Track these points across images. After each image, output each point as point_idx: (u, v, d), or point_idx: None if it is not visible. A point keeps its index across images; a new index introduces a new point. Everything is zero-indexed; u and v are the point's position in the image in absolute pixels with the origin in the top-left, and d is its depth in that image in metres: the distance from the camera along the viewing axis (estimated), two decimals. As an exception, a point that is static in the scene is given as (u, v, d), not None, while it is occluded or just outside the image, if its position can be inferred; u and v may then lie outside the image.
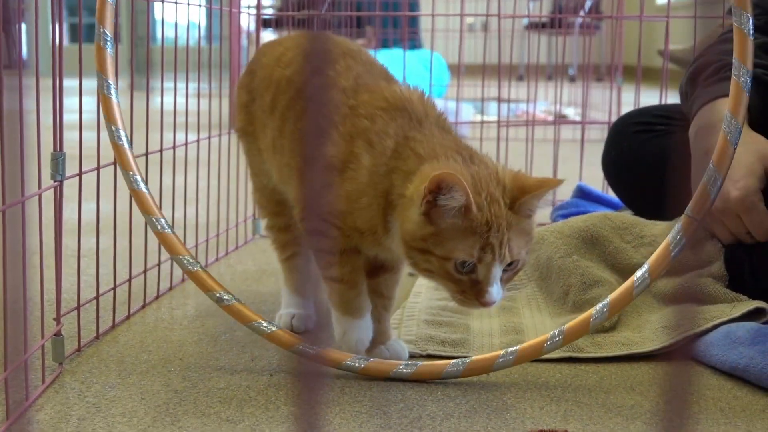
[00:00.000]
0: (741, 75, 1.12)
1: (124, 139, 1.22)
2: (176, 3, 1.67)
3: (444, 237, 1.04)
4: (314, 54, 0.28)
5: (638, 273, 1.17)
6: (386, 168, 1.10)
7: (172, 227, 1.23)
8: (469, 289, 1.05)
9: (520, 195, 1.04)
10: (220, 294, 1.20)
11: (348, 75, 1.18)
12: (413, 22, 4.89)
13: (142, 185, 1.22)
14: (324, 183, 1.11)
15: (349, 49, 1.25)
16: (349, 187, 1.11)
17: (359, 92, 1.16)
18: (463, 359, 1.17)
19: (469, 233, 1.03)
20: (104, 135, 1.23)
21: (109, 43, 1.21)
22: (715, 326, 1.24)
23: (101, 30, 1.20)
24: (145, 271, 1.46)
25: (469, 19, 5.43)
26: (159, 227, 1.22)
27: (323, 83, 0.29)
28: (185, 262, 1.21)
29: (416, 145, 1.10)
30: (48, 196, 1.14)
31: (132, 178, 1.21)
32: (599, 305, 1.18)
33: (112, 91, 1.22)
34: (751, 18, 1.11)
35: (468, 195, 1.00)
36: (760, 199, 1.33)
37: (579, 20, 5.41)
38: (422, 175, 1.05)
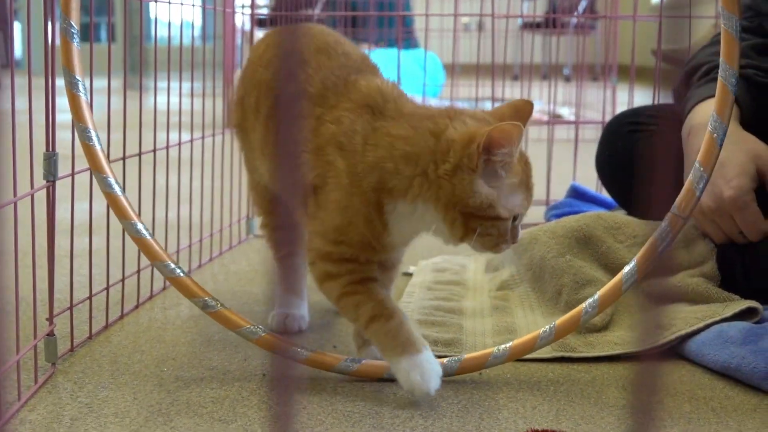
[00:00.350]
0: (727, 77, 1.13)
1: (95, 139, 1.17)
2: (170, 2, 1.67)
3: (506, 198, 1.05)
4: (287, 56, 0.28)
5: (626, 269, 1.18)
6: (365, 163, 1.08)
7: (153, 231, 1.21)
8: (512, 234, 1.08)
9: None
10: (205, 300, 1.17)
11: (316, 78, 1.15)
12: (407, 21, 4.90)
13: (116, 188, 1.18)
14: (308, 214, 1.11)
15: (325, 43, 1.22)
16: (335, 196, 1.10)
17: (326, 97, 1.14)
18: (457, 357, 1.17)
19: (522, 186, 1.07)
20: (102, 135, 1.21)
21: (75, 36, 1.15)
22: (708, 326, 1.24)
23: (67, 21, 1.14)
24: (138, 272, 1.46)
25: (463, 19, 5.43)
26: (136, 232, 1.18)
27: (294, 94, 0.29)
28: (167, 267, 1.19)
29: (391, 129, 1.09)
30: (40, 196, 1.14)
31: (105, 181, 1.17)
32: (589, 300, 1.20)
33: (80, 88, 1.16)
34: (738, 20, 1.12)
35: (518, 146, 1.03)
36: (753, 198, 1.34)
37: (574, 20, 5.42)
38: (462, 140, 1.04)
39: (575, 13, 5.69)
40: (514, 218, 1.07)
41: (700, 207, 1.36)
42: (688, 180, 1.16)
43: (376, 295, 1.12)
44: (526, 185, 1.08)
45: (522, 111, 1.12)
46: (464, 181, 1.03)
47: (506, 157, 1.02)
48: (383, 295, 1.13)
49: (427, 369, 1.06)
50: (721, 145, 1.13)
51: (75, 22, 1.15)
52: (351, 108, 1.12)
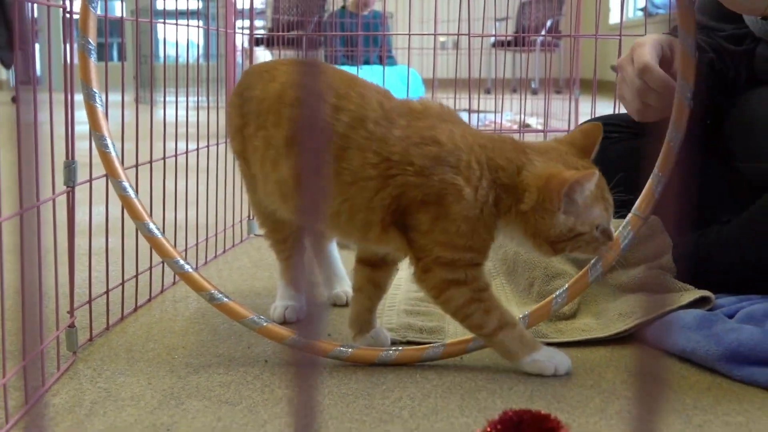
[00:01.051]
0: (683, 92, 1.13)
1: (110, 147, 1.17)
2: (177, 24, 1.66)
3: (583, 217, 1.06)
4: (309, 95, 0.27)
5: (592, 263, 1.19)
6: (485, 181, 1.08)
7: (163, 231, 1.21)
8: (603, 238, 1.08)
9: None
10: (211, 293, 1.18)
11: (371, 104, 1.10)
12: (389, 41, 4.90)
13: (130, 191, 1.18)
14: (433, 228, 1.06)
15: (350, 78, 1.17)
16: (458, 208, 1.06)
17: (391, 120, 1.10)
18: (441, 343, 1.17)
19: (598, 199, 1.07)
20: (116, 144, 1.21)
21: (92, 52, 1.15)
22: (666, 313, 1.24)
23: (84, 39, 1.14)
24: (150, 268, 1.45)
25: (441, 38, 5.43)
26: (148, 231, 1.18)
27: (319, 133, 0.28)
28: (177, 263, 1.18)
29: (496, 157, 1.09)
30: (61, 201, 1.13)
31: (120, 185, 1.17)
32: (559, 291, 1.21)
33: (97, 100, 1.16)
34: (694, 40, 1.12)
35: (593, 181, 1.04)
36: (652, 61, 1.33)
37: (540, 39, 5.43)
38: (536, 183, 1.05)
39: (542, 33, 5.70)
40: (597, 226, 1.07)
41: (622, 81, 1.38)
42: (648, 184, 1.17)
43: (499, 303, 1.12)
44: (602, 197, 1.08)
45: (591, 135, 1.13)
46: (545, 218, 1.05)
47: (584, 194, 1.04)
48: (500, 301, 1.14)
49: (557, 354, 1.13)
50: (677, 153, 1.14)
51: (92, 40, 1.15)
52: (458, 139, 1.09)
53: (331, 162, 1.08)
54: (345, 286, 1.42)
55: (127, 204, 1.18)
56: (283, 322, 1.30)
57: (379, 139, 1.07)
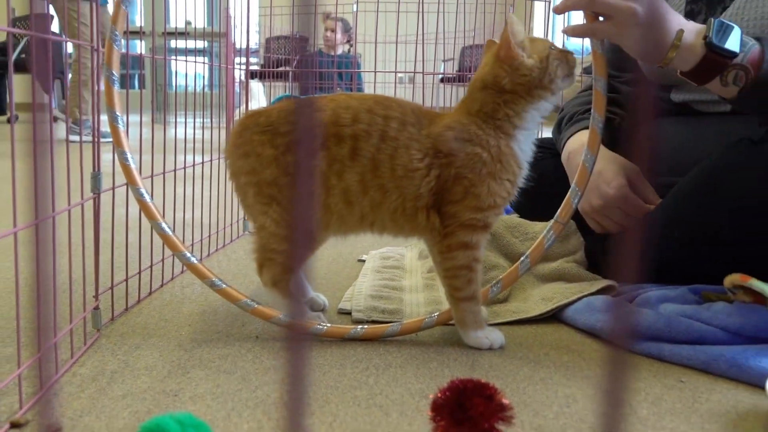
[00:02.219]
0: (596, 122, 1.13)
1: (130, 160, 1.14)
2: (186, 60, 1.63)
3: (538, 48, 1.07)
4: (304, 132, 0.25)
5: (522, 259, 1.18)
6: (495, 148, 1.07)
7: (173, 229, 1.18)
8: (563, 53, 1.09)
9: None
10: (212, 280, 1.16)
11: (407, 112, 1.10)
12: (359, 76, 4.89)
13: (146, 196, 1.15)
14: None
15: (387, 96, 1.14)
16: (486, 175, 1.06)
17: (421, 123, 1.09)
18: (399, 322, 1.15)
19: (532, 39, 1.09)
20: (135, 157, 1.17)
21: (116, 82, 1.13)
22: (579, 298, 1.24)
23: (109, 71, 1.12)
24: (162, 260, 1.42)
25: (400, 75, 5.43)
26: (161, 230, 1.16)
27: (310, 169, 0.26)
28: (185, 256, 1.16)
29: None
30: (88, 204, 1.10)
31: (138, 192, 1.15)
32: (495, 281, 1.20)
33: (120, 122, 1.13)
34: (606, 82, 1.12)
35: (514, 22, 1.05)
36: (630, 191, 1.34)
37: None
38: (493, 62, 1.07)
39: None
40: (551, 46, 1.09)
41: (592, 207, 1.37)
42: (567, 196, 1.16)
43: (478, 280, 1.10)
44: (559, 50, 1.09)
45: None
46: (524, 74, 1.06)
47: (521, 35, 1.06)
48: (479, 279, 1.11)
49: (493, 332, 1.11)
50: (591, 171, 1.14)
51: (116, 72, 1.13)
52: (457, 119, 1.09)
53: (387, 160, 1.06)
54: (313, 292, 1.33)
55: (143, 207, 1.16)
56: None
57: (417, 137, 1.07)
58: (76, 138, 3.15)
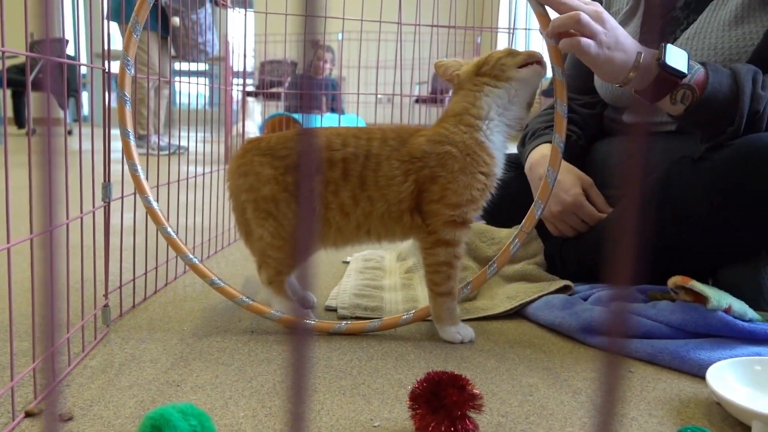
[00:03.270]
0: (558, 142, 1.13)
1: (139, 170, 1.12)
2: (189, 83, 1.60)
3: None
4: (304, 155, 0.24)
5: (490, 263, 1.17)
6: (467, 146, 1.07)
7: (177, 233, 1.15)
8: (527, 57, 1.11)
9: None
10: (212, 279, 1.14)
11: (387, 132, 1.10)
12: (343, 96, 4.89)
13: (154, 204, 1.13)
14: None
15: (369, 126, 1.14)
16: (459, 173, 1.05)
17: (404, 138, 1.09)
18: (379, 318, 1.14)
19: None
20: (143, 167, 1.15)
21: (128, 102, 1.10)
22: (540, 297, 1.23)
23: (122, 92, 1.10)
24: (167, 261, 1.39)
25: (379, 96, 5.43)
26: (166, 233, 1.13)
27: (311, 190, 0.25)
28: (187, 257, 1.14)
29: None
30: (100, 210, 1.07)
31: (146, 200, 1.12)
32: (465, 283, 1.18)
33: (131, 137, 1.11)
34: (566, 105, 1.12)
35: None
36: (585, 199, 1.35)
37: (449, 97, 5.45)
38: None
39: (449, 93, 5.73)
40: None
41: (551, 213, 1.37)
42: (531, 208, 1.16)
43: (456, 277, 1.09)
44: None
45: None
46: (503, 70, 1.09)
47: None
48: (458, 277, 1.10)
49: (464, 328, 1.10)
50: (552, 185, 1.13)
51: (127, 92, 1.10)
52: (431, 129, 1.10)
53: (372, 175, 1.06)
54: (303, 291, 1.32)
55: (151, 213, 1.13)
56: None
57: (397, 150, 1.07)
58: (143, 151, 3.01)
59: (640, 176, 0.24)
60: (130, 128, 1.11)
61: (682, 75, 1.08)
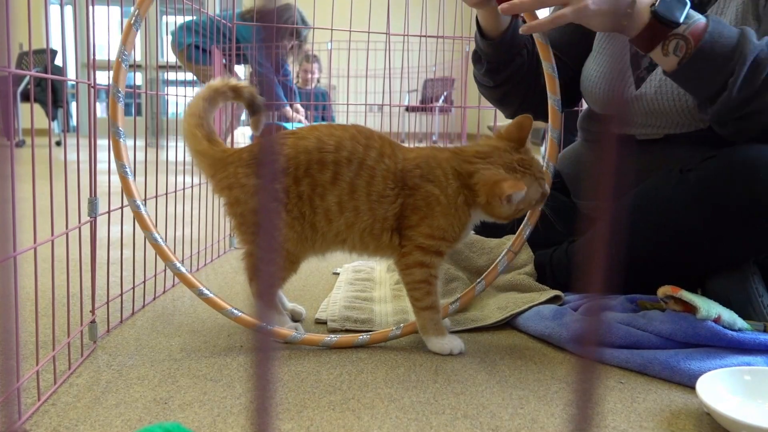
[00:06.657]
0: (554, 137, 1.12)
1: (128, 172, 1.09)
2: (177, 95, 1.60)
3: (523, 203, 1.06)
4: (265, 164, 0.23)
5: (477, 281, 1.18)
6: (453, 189, 1.06)
7: (165, 240, 1.13)
8: (540, 201, 1.10)
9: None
10: (200, 289, 1.12)
11: (386, 145, 1.08)
12: (333, 106, 4.91)
13: (141, 208, 1.10)
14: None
15: (370, 130, 1.11)
16: (440, 209, 1.05)
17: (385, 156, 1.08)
18: (370, 332, 1.13)
19: (534, 182, 1.06)
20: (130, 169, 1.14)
21: (121, 98, 1.07)
22: (530, 307, 1.23)
23: (115, 88, 1.07)
24: (155, 275, 1.38)
25: (370, 104, 5.43)
26: (153, 239, 1.11)
27: (274, 204, 0.24)
28: (174, 265, 1.12)
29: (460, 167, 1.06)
30: (86, 227, 1.06)
31: (133, 203, 1.10)
32: (453, 298, 1.19)
33: (121, 136, 1.09)
34: (559, 99, 1.12)
35: (522, 192, 1.02)
36: None
37: (438, 106, 5.47)
38: (485, 186, 1.03)
39: (439, 102, 5.74)
40: (534, 201, 1.08)
41: None
42: (520, 228, 1.16)
43: (437, 292, 1.09)
44: (535, 176, 1.06)
45: (524, 127, 1.09)
46: (496, 207, 1.04)
47: (518, 197, 1.03)
48: (438, 292, 1.11)
49: (454, 340, 1.10)
50: (552, 176, 1.13)
51: (121, 88, 1.07)
52: (431, 155, 1.08)
53: (364, 186, 1.05)
54: (292, 303, 1.29)
55: (138, 217, 1.11)
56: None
57: (392, 169, 1.06)
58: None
59: (611, 187, 0.24)
60: (122, 128, 1.09)
61: (674, 24, 1.03)
